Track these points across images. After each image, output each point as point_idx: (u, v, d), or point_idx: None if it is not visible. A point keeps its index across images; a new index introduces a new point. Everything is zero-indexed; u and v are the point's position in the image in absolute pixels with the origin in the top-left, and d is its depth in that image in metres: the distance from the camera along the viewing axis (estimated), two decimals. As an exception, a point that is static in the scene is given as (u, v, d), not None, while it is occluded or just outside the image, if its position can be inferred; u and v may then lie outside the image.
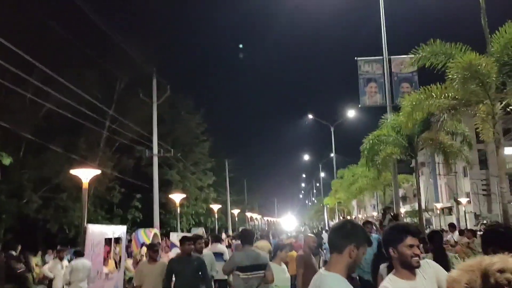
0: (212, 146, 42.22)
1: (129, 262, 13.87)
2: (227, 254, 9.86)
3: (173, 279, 6.59)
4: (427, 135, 12.96)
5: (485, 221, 31.96)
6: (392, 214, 9.41)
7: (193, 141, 39.10)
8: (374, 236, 7.88)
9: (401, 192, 59.08)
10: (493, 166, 39.57)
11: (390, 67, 15.55)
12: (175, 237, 15.92)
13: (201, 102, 54.30)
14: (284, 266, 6.38)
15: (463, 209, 36.65)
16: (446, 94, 9.75)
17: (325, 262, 16.92)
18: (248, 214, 54.61)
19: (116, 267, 12.00)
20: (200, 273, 6.51)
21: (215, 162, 42.11)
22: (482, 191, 42.75)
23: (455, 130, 12.63)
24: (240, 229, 11.89)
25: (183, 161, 33.40)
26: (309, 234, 11.10)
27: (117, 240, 11.18)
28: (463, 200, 37.12)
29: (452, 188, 43.86)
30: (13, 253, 16.28)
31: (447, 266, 4.38)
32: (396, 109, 14.63)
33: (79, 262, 9.11)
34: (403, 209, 54.56)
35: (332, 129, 34.77)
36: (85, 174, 10.32)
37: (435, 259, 3.98)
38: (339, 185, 32.86)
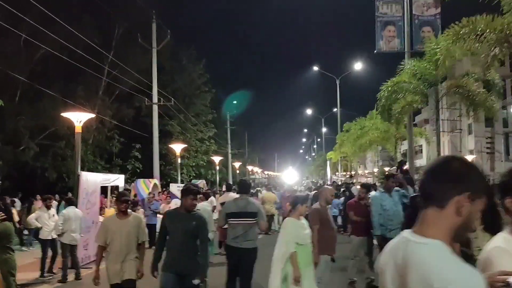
0: (214, 97, 41.41)
1: (128, 212, 13.57)
2: None
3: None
4: (453, 82, 12.10)
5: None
6: (403, 168, 8.86)
7: (195, 92, 38.27)
8: (400, 191, 7.43)
9: (402, 148, 58.93)
10: (499, 124, 39.04)
11: (410, 8, 14.38)
12: (175, 188, 15.54)
13: (203, 52, 52.54)
14: (304, 221, 5.58)
15: (466, 167, 36.28)
16: (493, 28, 8.52)
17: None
18: (249, 167, 54.52)
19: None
20: (197, 235, 5.02)
21: (217, 114, 41.46)
22: (486, 149, 42.30)
23: (482, 77, 11.62)
24: (238, 180, 11.62)
25: (184, 111, 32.72)
26: (327, 186, 10.76)
27: (115, 189, 10.73)
28: (467, 158, 36.86)
29: (456, 146, 43.36)
30: (15, 199, 16.07)
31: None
32: (416, 55, 13.58)
33: (71, 211, 8.63)
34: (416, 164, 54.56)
35: (337, 82, 33.74)
36: (77, 117, 9.67)
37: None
38: (346, 139, 31.96)
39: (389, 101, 12.77)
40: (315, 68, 34.59)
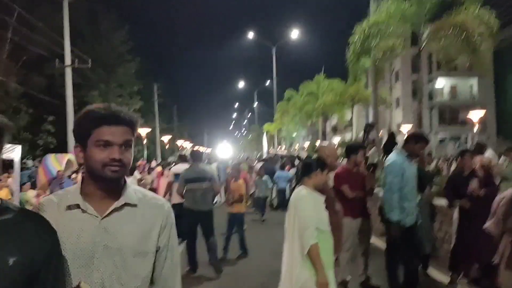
0: (139, 67, 38.20)
1: (31, 193, 10.99)
2: None
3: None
4: (446, 20, 10.62)
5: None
6: (388, 132, 7.41)
7: (117, 61, 34.90)
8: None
9: (332, 123, 59.43)
10: (425, 97, 39.85)
11: None
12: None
13: (126, 16, 48.35)
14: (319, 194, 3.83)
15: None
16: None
17: (280, 192, 14.80)
18: (179, 142, 51.90)
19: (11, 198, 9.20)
20: None
21: (143, 86, 38.35)
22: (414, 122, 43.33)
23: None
24: (190, 151, 11.68)
25: (106, 81, 29.56)
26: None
27: (9, 164, 8.27)
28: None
29: (385, 121, 43.84)
30: None
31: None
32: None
33: None
34: (336, 140, 54.79)
35: (273, 51, 31.98)
36: None
37: None
38: (288, 108, 30.29)
39: (364, 46, 11.08)
40: (250, 35, 32.46)
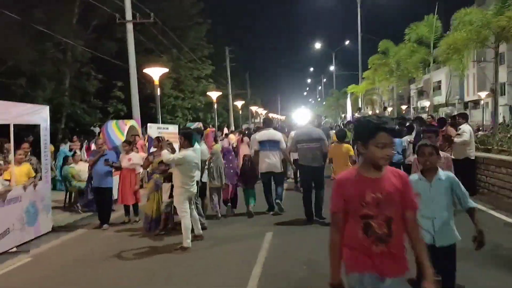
0: (210, 30, 36.34)
1: (82, 166, 9.43)
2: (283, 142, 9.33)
3: None
4: None
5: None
6: None
7: (187, 24, 33.23)
8: None
9: (413, 87, 53.92)
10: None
11: None
12: (154, 129, 11.34)
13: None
14: None
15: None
16: None
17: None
18: (253, 109, 49.91)
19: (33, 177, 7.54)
20: None
21: (214, 50, 36.55)
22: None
23: None
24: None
25: (177, 45, 28.03)
26: None
27: (29, 131, 6.56)
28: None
29: (483, 79, 38.35)
30: None
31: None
32: None
33: None
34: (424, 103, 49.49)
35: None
36: None
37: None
38: (378, 64, 26.16)
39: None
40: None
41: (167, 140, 7.39)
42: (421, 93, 53.91)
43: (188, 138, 6.83)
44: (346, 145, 8.56)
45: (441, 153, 4.33)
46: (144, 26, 21.86)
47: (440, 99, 46.93)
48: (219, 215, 8.67)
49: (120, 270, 6.01)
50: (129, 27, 15.52)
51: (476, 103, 42.08)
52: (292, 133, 10.78)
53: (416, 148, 3.95)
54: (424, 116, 16.02)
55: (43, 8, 19.68)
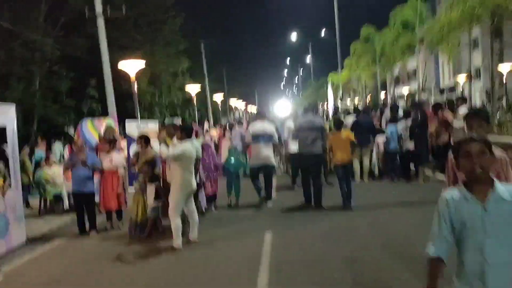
0: (184, 25, 35.36)
1: (57, 170, 8.71)
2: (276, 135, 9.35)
3: None
4: None
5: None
6: None
7: (163, 17, 32.19)
8: None
9: (389, 75, 53.83)
10: (508, 33, 34.40)
11: None
12: (133, 127, 10.66)
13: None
14: None
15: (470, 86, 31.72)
16: None
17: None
18: (232, 103, 49.20)
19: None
20: None
21: (189, 44, 35.63)
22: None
23: None
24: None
25: (151, 40, 27.16)
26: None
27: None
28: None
29: (459, 64, 38.55)
30: None
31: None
32: None
33: None
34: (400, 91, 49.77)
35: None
36: None
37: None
38: (361, 50, 25.75)
39: None
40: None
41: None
42: (397, 81, 54.07)
43: (185, 130, 6.71)
44: (345, 132, 8.56)
45: (496, 151, 2.83)
46: (118, 21, 20.96)
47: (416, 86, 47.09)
48: (213, 209, 8.81)
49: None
50: (100, 22, 14.61)
51: (452, 89, 42.37)
52: (289, 122, 11.33)
53: (453, 145, 2.45)
54: (402, 103, 15.75)
55: (8, 6, 18.61)
